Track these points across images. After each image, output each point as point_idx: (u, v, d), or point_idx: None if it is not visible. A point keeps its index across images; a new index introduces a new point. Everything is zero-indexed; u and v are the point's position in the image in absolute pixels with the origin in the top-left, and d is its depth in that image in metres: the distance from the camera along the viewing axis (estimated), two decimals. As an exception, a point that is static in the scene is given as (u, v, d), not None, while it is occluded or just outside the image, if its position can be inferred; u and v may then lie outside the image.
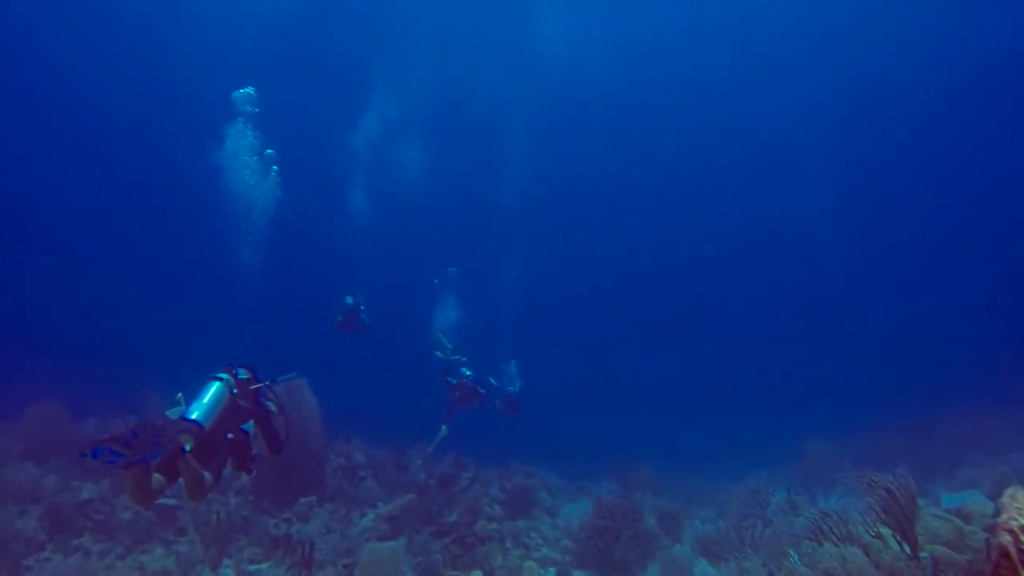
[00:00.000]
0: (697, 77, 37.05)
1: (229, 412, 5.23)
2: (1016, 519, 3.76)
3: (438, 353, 13.30)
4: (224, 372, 5.43)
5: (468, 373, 12.90)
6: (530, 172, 31.37)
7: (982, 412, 20.09)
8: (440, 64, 30.55)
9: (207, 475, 4.86)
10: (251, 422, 5.51)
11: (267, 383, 5.76)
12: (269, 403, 5.75)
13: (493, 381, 13.39)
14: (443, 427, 12.67)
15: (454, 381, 12.86)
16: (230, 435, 5.20)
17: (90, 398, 15.43)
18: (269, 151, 15.44)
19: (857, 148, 36.84)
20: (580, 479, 19.27)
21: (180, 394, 5.27)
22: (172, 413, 5.04)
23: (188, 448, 4.66)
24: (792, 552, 6.56)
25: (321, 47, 33.87)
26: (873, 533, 6.13)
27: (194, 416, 4.92)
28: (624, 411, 33.46)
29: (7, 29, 32.49)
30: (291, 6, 28.84)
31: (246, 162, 15.26)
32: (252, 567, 8.97)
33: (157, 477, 4.61)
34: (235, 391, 5.37)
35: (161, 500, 8.80)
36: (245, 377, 5.59)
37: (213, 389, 5.20)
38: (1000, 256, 35.86)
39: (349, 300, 14.06)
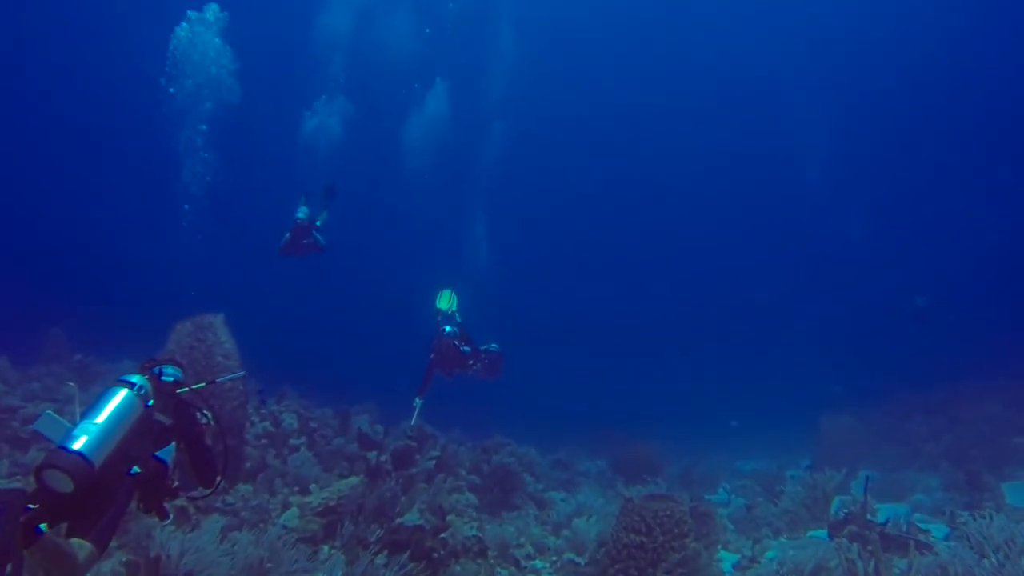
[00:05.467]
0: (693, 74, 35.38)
1: (139, 434, 3.60)
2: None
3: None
4: (138, 373, 3.80)
5: (448, 329, 10.22)
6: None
7: (1002, 388, 18.17)
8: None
9: (85, 548, 3.16)
10: (171, 445, 3.91)
11: (202, 386, 4.26)
12: (201, 415, 4.18)
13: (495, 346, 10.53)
14: (416, 400, 9.73)
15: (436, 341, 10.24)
16: (136, 469, 3.55)
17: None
18: None
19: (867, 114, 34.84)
20: (555, 448, 16.94)
21: (73, 385, 4.31)
22: (45, 427, 3.52)
23: (43, 528, 3.03)
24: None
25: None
26: None
27: (77, 445, 3.25)
28: (605, 368, 31.50)
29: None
30: None
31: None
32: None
33: None
34: (151, 402, 3.71)
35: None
36: (171, 379, 4.06)
37: (117, 399, 3.54)
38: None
39: (300, 215, 11.23)
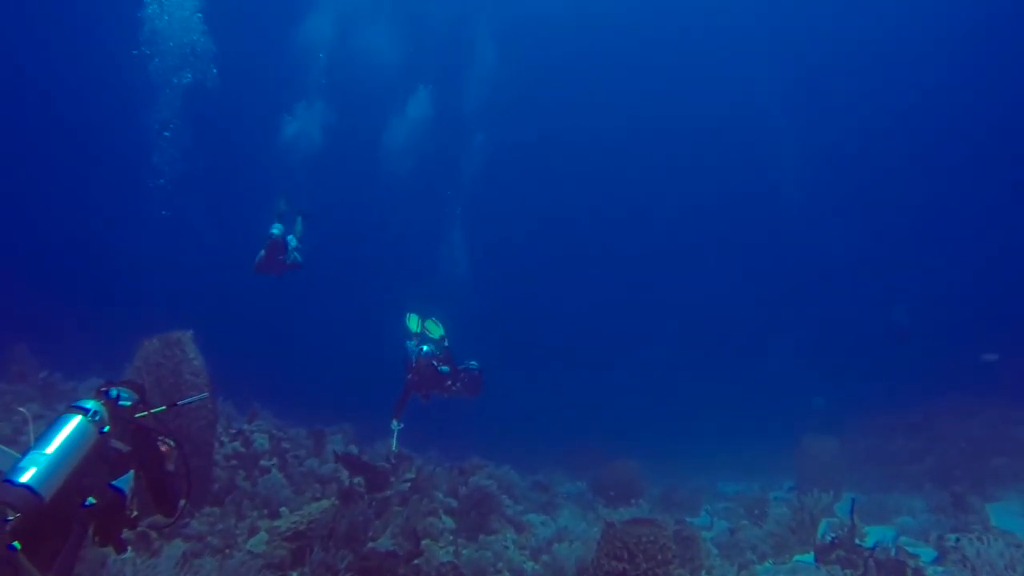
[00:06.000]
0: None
1: (93, 463, 3.37)
2: None
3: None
4: (93, 398, 3.57)
5: (425, 348, 9.96)
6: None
7: (981, 407, 18.19)
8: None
9: None
10: (129, 473, 3.65)
11: (162, 409, 3.96)
12: (162, 442, 3.93)
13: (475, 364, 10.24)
14: (393, 422, 9.45)
15: (413, 359, 9.98)
16: (91, 500, 3.30)
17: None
18: None
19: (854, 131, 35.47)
20: (534, 468, 16.68)
21: (25, 411, 3.92)
22: None
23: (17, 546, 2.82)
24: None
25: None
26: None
27: (24, 478, 3.02)
28: (583, 382, 31.26)
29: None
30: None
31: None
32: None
33: None
34: (106, 429, 3.47)
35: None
36: (128, 404, 3.83)
37: (69, 427, 3.32)
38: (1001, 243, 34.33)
39: (275, 231, 10.82)
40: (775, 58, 33.23)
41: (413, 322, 10.54)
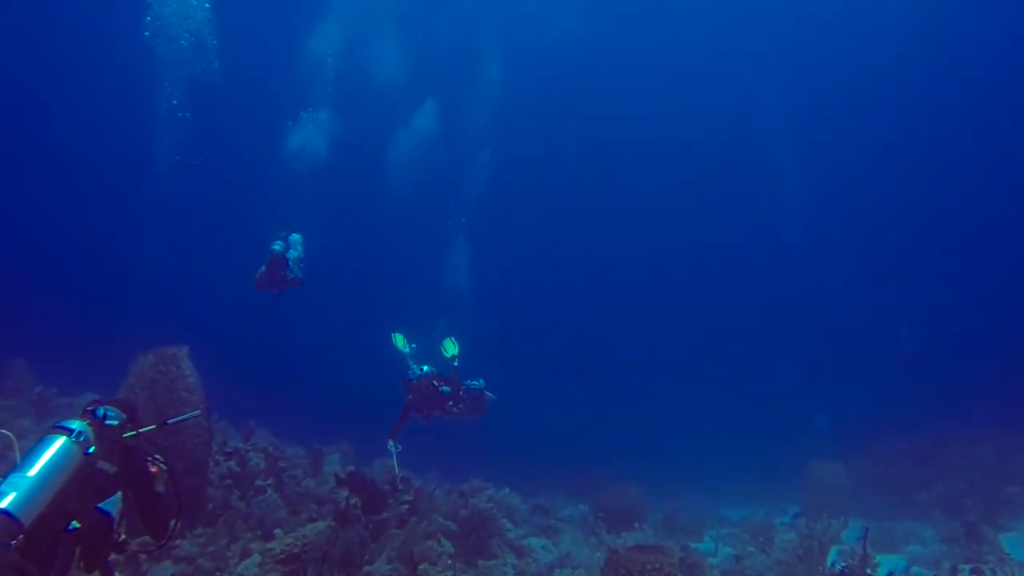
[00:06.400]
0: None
1: (78, 485, 3.24)
2: None
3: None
4: (78, 418, 3.50)
5: (426, 368, 9.81)
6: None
7: (992, 436, 17.88)
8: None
9: None
10: (117, 495, 3.52)
11: (150, 429, 3.91)
12: (152, 462, 3.82)
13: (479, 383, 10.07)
14: (390, 443, 9.23)
15: (414, 379, 9.79)
16: (75, 524, 3.14)
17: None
18: None
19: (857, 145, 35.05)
20: (535, 492, 16.43)
21: (8, 433, 3.54)
22: None
23: None
24: None
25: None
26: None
27: (3, 504, 2.88)
28: (584, 402, 30.96)
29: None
30: None
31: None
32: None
33: None
34: (91, 449, 3.35)
35: None
36: (115, 423, 3.68)
37: (52, 449, 3.21)
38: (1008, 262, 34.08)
39: (276, 247, 10.62)
40: (780, 69, 33.22)
41: (400, 341, 10.35)
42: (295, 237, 11.59)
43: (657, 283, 42.26)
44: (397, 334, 10.41)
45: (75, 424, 3.40)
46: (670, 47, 33.83)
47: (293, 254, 11.16)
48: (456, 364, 9.98)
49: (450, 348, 10.25)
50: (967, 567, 8.83)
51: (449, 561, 7.89)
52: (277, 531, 8.45)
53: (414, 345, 10.36)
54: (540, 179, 39.66)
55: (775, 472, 18.36)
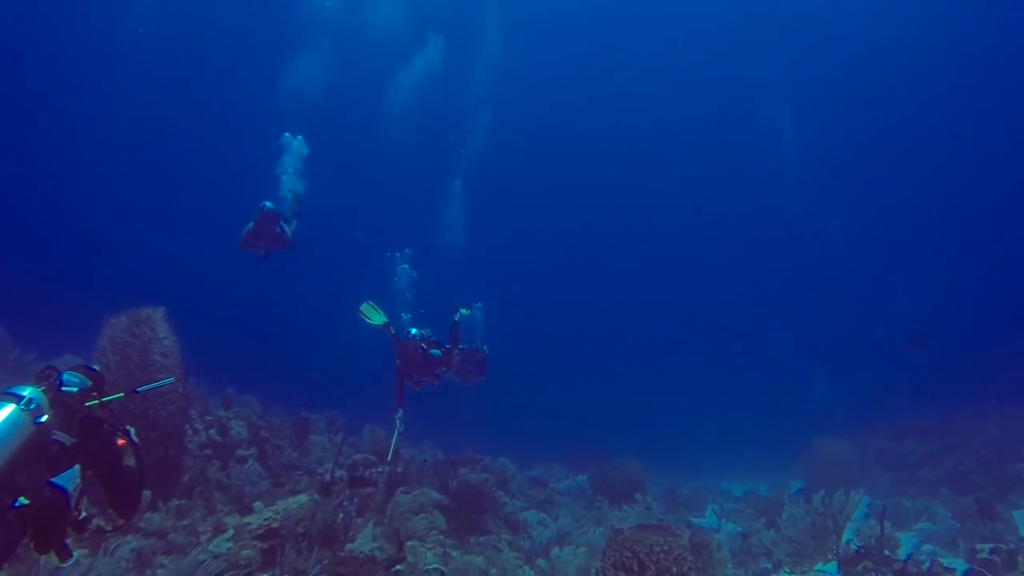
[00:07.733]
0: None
1: (28, 457, 2.93)
2: None
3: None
4: (32, 384, 3.15)
5: (415, 331, 9.05)
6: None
7: (997, 412, 17.49)
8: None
9: None
10: (74, 469, 3.16)
11: (116, 397, 3.51)
12: (119, 434, 3.44)
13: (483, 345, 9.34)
14: (398, 413, 8.62)
15: (403, 339, 9.07)
16: (22, 500, 2.82)
17: None
18: None
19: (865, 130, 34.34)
20: (531, 464, 16.06)
21: None
22: None
23: None
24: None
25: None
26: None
27: None
28: (585, 378, 30.64)
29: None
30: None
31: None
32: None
33: None
34: (43, 418, 3.00)
35: None
36: (74, 390, 3.32)
37: None
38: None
39: (268, 204, 9.86)
40: (780, 59, 32.42)
41: (371, 312, 9.61)
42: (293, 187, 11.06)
43: (658, 262, 41.91)
44: (367, 304, 9.68)
45: (26, 391, 3.09)
46: (672, 25, 32.90)
47: (285, 214, 10.46)
48: (457, 318, 9.20)
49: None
50: (987, 547, 8.36)
51: (440, 537, 7.37)
52: (257, 504, 7.94)
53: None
54: (541, 146, 38.72)
55: (776, 449, 17.99)
